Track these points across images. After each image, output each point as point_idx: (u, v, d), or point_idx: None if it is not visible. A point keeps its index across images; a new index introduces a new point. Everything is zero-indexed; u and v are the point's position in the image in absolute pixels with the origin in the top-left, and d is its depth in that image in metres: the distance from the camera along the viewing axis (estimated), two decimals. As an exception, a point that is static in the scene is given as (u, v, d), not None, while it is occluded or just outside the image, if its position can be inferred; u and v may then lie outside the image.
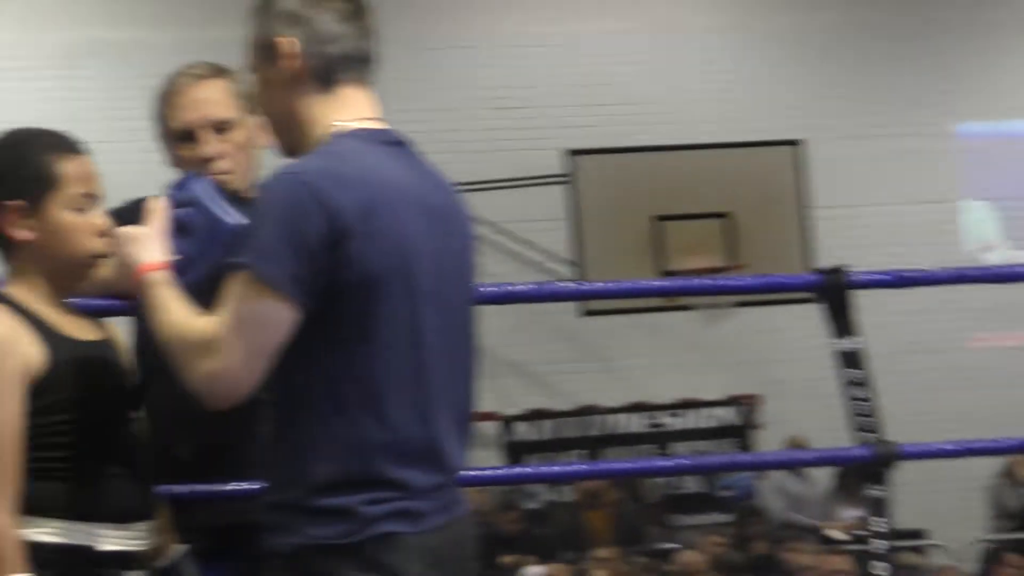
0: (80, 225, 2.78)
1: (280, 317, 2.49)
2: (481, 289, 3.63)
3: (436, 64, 12.06)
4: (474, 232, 2.82)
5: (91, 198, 2.81)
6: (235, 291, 2.50)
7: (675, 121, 12.55)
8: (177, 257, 2.77)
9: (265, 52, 2.69)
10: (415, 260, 2.57)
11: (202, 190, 2.86)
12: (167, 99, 3.27)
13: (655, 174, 11.53)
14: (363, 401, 2.55)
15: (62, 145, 2.83)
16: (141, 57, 11.75)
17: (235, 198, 2.91)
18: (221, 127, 3.22)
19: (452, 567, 2.66)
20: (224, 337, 2.49)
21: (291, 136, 2.72)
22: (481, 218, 11.49)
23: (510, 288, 3.65)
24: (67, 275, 2.86)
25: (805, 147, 12.20)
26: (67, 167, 2.79)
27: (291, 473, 2.58)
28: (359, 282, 2.51)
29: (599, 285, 3.72)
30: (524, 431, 12.61)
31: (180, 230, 2.80)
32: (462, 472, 2.79)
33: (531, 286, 3.64)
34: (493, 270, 11.73)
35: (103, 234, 2.80)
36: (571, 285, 3.70)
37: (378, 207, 2.52)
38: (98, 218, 2.81)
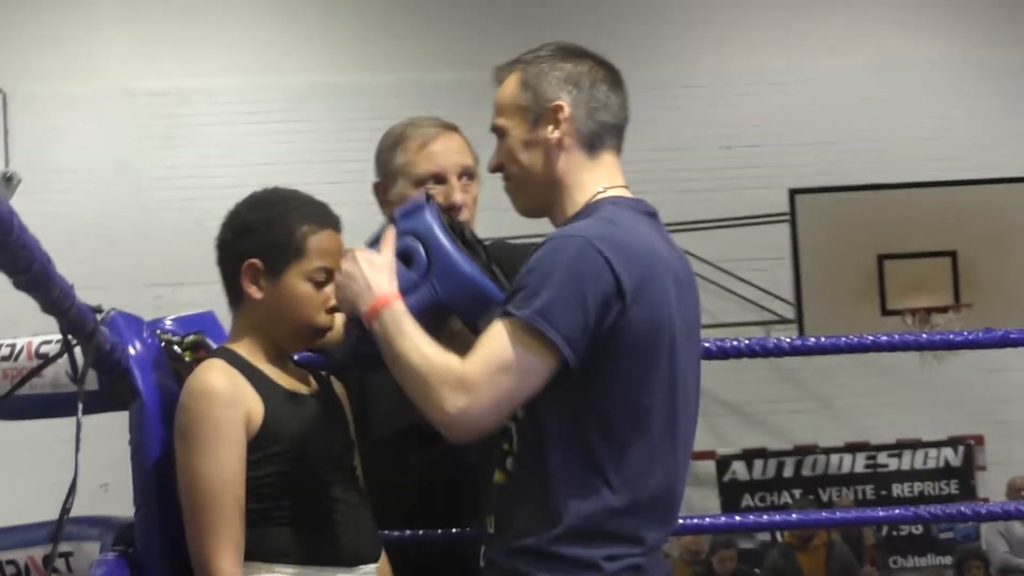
0: (312, 298, 2.87)
1: (543, 370, 2.54)
2: (703, 345, 3.71)
3: (664, 104, 12.11)
4: (698, 295, 2.84)
5: (329, 273, 2.87)
6: (504, 335, 2.53)
7: (901, 158, 12.39)
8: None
9: (536, 114, 2.72)
10: (671, 327, 2.61)
11: (432, 221, 2.80)
12: (413, 148, 3.34)
13: (879, 212, 11.31)
14: (621, 458, 2.60)
15: (316, 218, 2.92)
16: (363, 100, 12.08)
17: (459, 229, 2.91)
18: (466, 176, 3.33)
19: None
20: (482, 376, 2.52)
21: (544, 198, 2.78)
22: (706, 257, 11.64)
23: (731, 344, 3.68)
24: (289, 339, 2.94)
25: (1037, 184, 11.97)
26: (315, 241, 2.88)
27: (535, 518, 2.61)
28: (629, 347, 2.55)
29: (819, 340, 3.72)
30: (741, 470, 12.49)
31: (403, 259, 2.78)
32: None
33: (752, 341, 3.67)
34: (713, 308, 11.80)
35: (331, 310, 2.87)
36: (789, 341, 3.71)
37: (649, 277, 2.57)
38: (332, 293, 2.86)
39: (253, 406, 2.80)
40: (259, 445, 2.80)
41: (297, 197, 2.99)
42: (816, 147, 12.53)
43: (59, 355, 2.80)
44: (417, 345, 2.61)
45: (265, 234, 2.89)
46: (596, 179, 2.73)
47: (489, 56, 11.72)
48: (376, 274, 2.72)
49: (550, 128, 2.71)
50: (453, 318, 2.80)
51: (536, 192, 2.78)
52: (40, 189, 11.63)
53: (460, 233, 2.88)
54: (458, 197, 3.28)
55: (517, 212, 2.84)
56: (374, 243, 2.82)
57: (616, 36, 12.02)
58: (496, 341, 2.55)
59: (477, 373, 2.54)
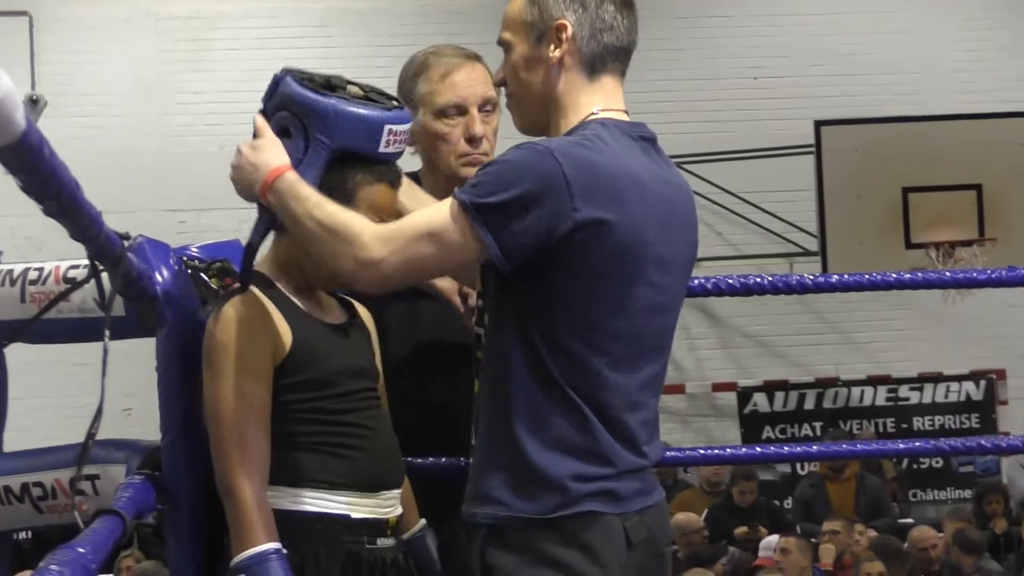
0: None
1: (466, 255, 2.59)
2: (727, 281, 3.72)
3: (690, 33, 12.09)
4: (696, 232, 2.84)
5: (387, 209, 2.86)
6: (441, 208, 2.57)
7: (926, 91, 12.37)
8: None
9: (540, 31, 2.71)
10: (640, 251, 2.60)
11: (292, 86, 2.78)
12: (436, 76, 3.31)
13: (905, 144, 11.24)
14: (581, 382, 2.60)
15: (374, 170, 2.86)
16: (388, 25, 12.03)
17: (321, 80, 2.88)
18: (487, 108, 3.31)
19: (649, 552, 2.71)
20: (404, 236, 2.58)
21: (541, 116, 2.77)
22: (730, 188, 11.63)
23: (754, 280, 3.69)
24: (323, 280, 2.94)
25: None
26: (366, 192, 2.84)
27: (502, 431, 2.64)
28: (583, 262, 2.55)
29: (843, 277, 3.73)
30: (762, 402, 12.56)
31: (283, 135, 2.77)
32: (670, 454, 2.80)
33: (775, 278, 3.68)
34: (736, 239, 11.82)
35: None
36: (812, 278, 3.72)
37: (615, 196, 2.55)
38: None
39: (281, 333, 2.82)
40: (286, 372, 2.82)
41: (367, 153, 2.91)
42: (843, 78, 12.48)
43: (86, 280, 2.80)
44: (320, 203, 2.64)
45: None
46: (592, 101, 2.72)
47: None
48: (260, 154, 2.74)
49: (551, 47, 2.71)
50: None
51: (534, 110, 2.79)
52: (66, 113, 11.71)
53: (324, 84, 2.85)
54: (478, 129, 3.27)
55: (516, 129, 2.86)
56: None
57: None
58: (432, 213, 2.61)
59: (400, 232, 2.59)
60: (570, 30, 2.70)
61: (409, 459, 3.16)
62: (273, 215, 2.76)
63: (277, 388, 2.82)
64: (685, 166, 11.52)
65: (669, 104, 11.22)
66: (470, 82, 3.30)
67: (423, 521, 3.11)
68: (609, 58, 2.74)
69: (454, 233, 2.55)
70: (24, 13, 12.10)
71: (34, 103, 11.83)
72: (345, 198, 2.76)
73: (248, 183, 2.76)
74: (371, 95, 2.87)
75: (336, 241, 2.61)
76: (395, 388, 3.19)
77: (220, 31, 12.45)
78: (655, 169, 2.69)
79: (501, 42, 2.82)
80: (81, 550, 1.76)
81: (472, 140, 3.28)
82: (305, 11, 12.48)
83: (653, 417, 2.78)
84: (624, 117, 2.75)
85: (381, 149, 2.80)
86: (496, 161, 2.61)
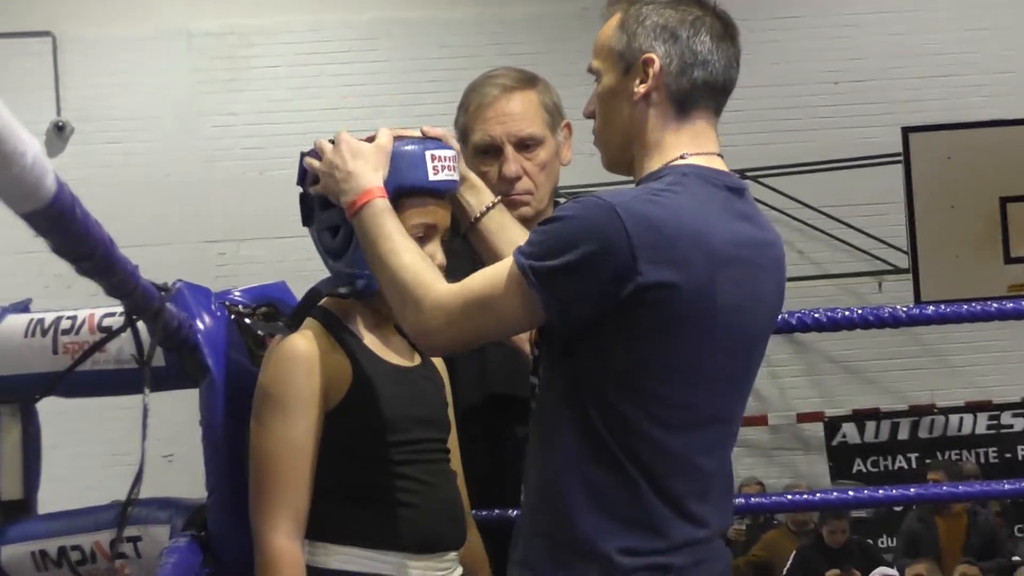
0: None
1: (521, 323, 2.60)
2: (812, 315, 3.68)
3: (760, 38, 12.07)
4: (782, 295, 2.78)
5: (433, 231, 2.84)
6: (499, 272, 2.55)
7: (1021, 92, 12.33)
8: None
9: (627, 63, 2.66)
10: (709, 313, 2.54)
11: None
12: (471, 110, 3.32)
13: (1001, 150, 11.17)
14: (633, 447, 2.55)
15: (421, 191, 2.83)
16: (438, 37, 12.12)
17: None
18: (526, 144, 3.28)
19: None
20: (462, 307, 2.56)
21: (625, 155, 2.73)
22: (809, 202, 11.56)
23: (842, 315, 3.65)
24: (383, 300, 2.84)
25: None
26: (412, 200, 2.81)
27: (546, 491, 2.61)
28: (642, 331, 2.51)
29: (939, 309, 3.68)
30: (851, 433, 12.50)
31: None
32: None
33: (865, 311, 3.64)
34: (820, 257, 11.76)
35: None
36: (906, 311, 3.66)
37: (683, 255, 2.49)
38: (436, 253, 2.83)
39: (339, 374, 2.80)
40: (340, 416, 2.80)
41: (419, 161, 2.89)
42: (930, 80, 12.50)
43: (122, 330, 2.81)
44: (397, 249, 2.65)
45: None
46: (680, 143, 2.66)
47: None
48: (358, 163, 2.76)
49: (637, 81, 2.64)
50: None
51: (617, 146, 2.74)
52: (93, 140, 11.86)
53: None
54: (510, 170, 3.26)
55: (603, 166, 2.81)
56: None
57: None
58: (487, 278, 2.58)
59: (458, 302, 2.56)
60: (657, 64, 2.63)
61: (476, 512, 3.16)
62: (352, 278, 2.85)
63: (330, 433, 2.80)
64: (761, 180, 11.53)
65: (743, 114, 11.17)
66: (503, 119, 3.29)
67: None
68: (701, 96, 2.67)
69: (512, 300, 2.53)
70: (47, 33, 12.26)
71: (60, 130, 11.97)
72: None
73: (336, 191, 2.77)
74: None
75: (403, 297, 2.63)
76: (463, 438, 3.15)
77: (257, 47, 12.58)
78: (737, 226, 2.62)
79: (591, 69, 2.76)
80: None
81: (506, 181, 3.24)
82: (349, 23, 12.60)
83: (718, 482, 2.70)
84: (714, 163, 2.67)
85: (431, 178, 2.80)
86: (556, 217, 2.55)
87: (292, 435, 2.75)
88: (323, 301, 2.89)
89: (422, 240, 2.79)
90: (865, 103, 12.58)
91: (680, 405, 2.58)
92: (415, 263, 2.64)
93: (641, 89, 2.64)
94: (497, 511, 3.34)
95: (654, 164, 2.65)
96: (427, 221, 2.83)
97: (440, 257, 2.83)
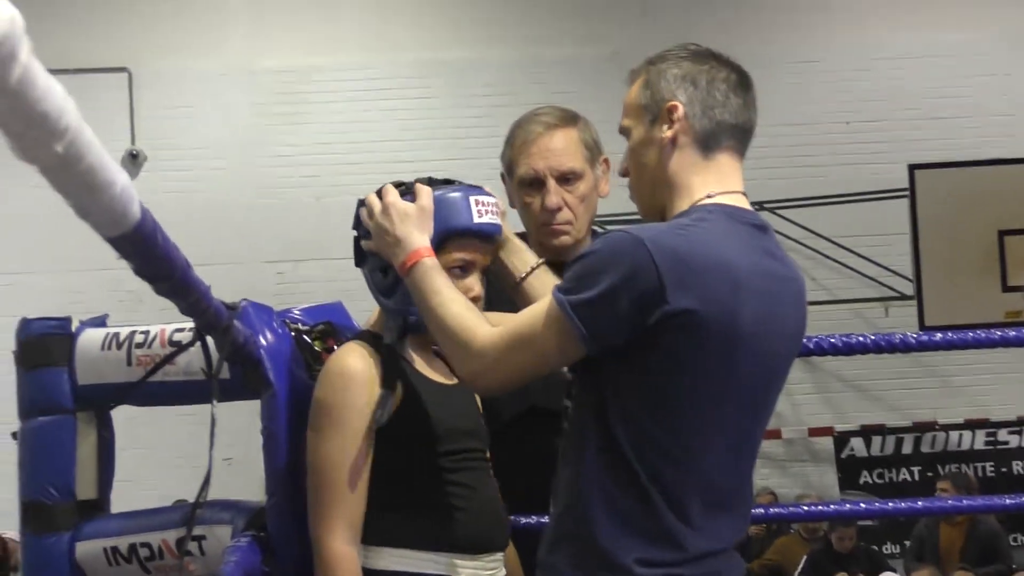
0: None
1: (564, 355, 2.57)
2: (829, 340, 3.66)
3: (781, 80, 12.05)
4: (803, 327, 2.76)
5: (471, 266, 2.86)
6: (537, 313, 2.58)
7: (1019, 132, 12.31)
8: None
9: (653, 114, 2.67)
10: (733, 343, 2.53)
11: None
12: (517, 145, 3.33)
13: (1000, 187, 11.16)
14: (653, 464, 2.55)
15: (459, 227, 2.84)
16: (483, 75, 12.12)
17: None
18: (567, 178, 3.29)
19: None
20: (501, 349, 2.58)
21: (657, 199, 2.72)
22: (824, 232, 11.53)
23: (857, 340, 3.63)
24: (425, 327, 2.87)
25: None
26: (454, 241, 2.83)
27: (572, 503, 2.61)
28: (668, 356, 2.50)
29: (946, 336, 3.67)
30: (859, 447, 12.46)
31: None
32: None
33: (877, 337, 3.63)
34: (831, 284, 11.72)
35: (474, 300, 2.82)
36: (915, 336, 3.65)
37: (706, 285, 2.48)
38: (475, 285, 2.86)
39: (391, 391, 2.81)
40: (392, 429, 2.79)
41: (458, 203, 2.91)
42: (935, 122, 12.45)
43: (191, 345, 2.83)
44: (445, 303, 2.68)
45: None
46: (706, 182, 2.66)
47: (608, 32, 11.81)
48: (406, 226, 2.79)
49: (665, 127, 2.66)
50: None
51: (649, 192, 2.73)
52: (163, 166, 11.90)
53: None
54: (552, 201, 3.28)
55: (641, 216, 2.79)
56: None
57: (724, 12, 12.04)
58: (527, 317, 2.60)
59: (502, 343, 2.59)
60: (681, 109, 2.65)
61: (514, 518, 3.14)
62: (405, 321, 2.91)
63: (383, 445, 2.80)
64: (779, 211, 11.51)
65: (763, 150, 11.10)
66: (545, 154, 3.29)
67: None
68: (724, 135, 2.68)
69: (552, 335, 2.54)
70: (123, 69, 12.30)
71: (134, 158, 12.01)
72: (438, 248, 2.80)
73: (388, 253, 2.81)
74: (449, 181, 2.95)
75: (454, 345, 2.66)
76: (500, 451, 3.16)
77: (314, 84, 12.58)
78: (760, 260, 2.61)
79: (622, 130, 2.78)
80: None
81: (548, 211, 3.25)
82: (399, 63, 12.59)
83: (736, 497, 2.71)
84: (739, 200, 2.68)
85: (476, 220, 2.83)
86: (588, 253, 2.56)
87: (347, 446, 2.76)
88: (372, 325, 2.94)
89: (462, 272, 2.84)
90: (875, 142, 12.48)
91: (702, 427, 2.57)
92: (461, 314, 2.67)
93: (668, 134, 2.65)
94: (523, 520, 3.33)
95: (683, 204, 2.65)
96: (467, 258, 2.84)
97: (478, 289, 2.86)
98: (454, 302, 2.69)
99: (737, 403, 2.60)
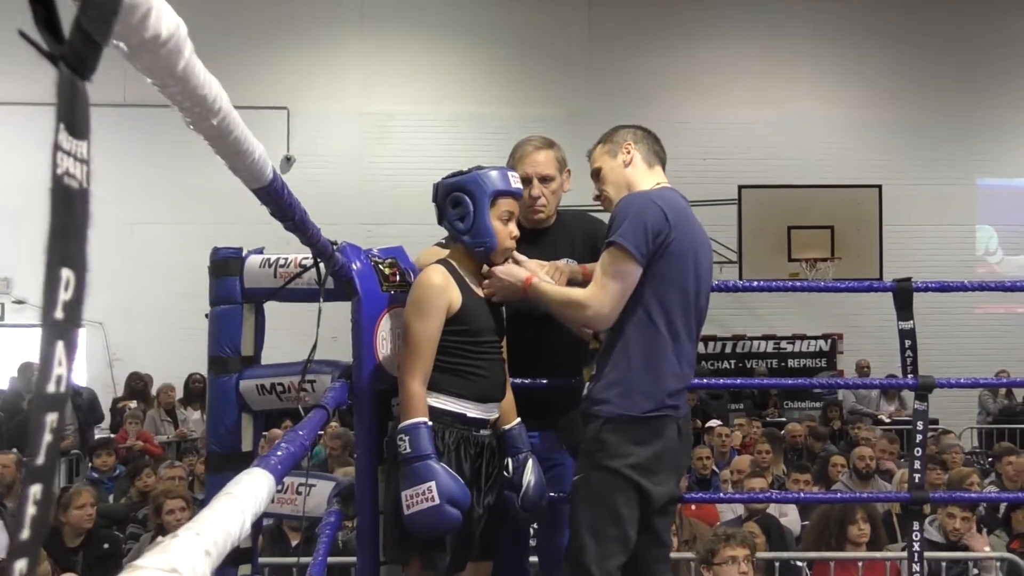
0: (501, 230, 2.74)
1: (633, 271, 2.54)
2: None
3: (664, 133, 11.88)
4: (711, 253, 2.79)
5: (511, 216, 2.74)
6: (607, 257, 2.55)
7: (801, 168, 12.57)
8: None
9: (614, 152, 2.75)
10: (696, 254, 2.60)
11: (452, 181, 2.67)
12: (516, 157, 3.20)
13: (789, 201, 11.31)
14: (667, 330, 2.54)
15: (502, 188, 2.67)
16: (492, 124, 11.99)
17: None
18: (545, 179, 3.18)
19: (685, 442, 2.67)
20: (600, 289, 2.54)
21: (622, 194, 2.71)
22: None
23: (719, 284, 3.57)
24: (483, 257, 2.77)
25: (883, 188, 11.79)
26: (501, 198, 2.68)
27: (611, 367, 2.56)
28: (672, 259, 2.54)
29: (760, 283, 3.59)
30: (701, 348, 12.16)
31: (454, 204, 2.67)
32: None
33: (719, 283, 3.53)
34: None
35: (513, 238, 2.74)
36: (741, 283, 3.57)
37: (682, 222, 2.57)
38: (514, 229, 2.74)
39: (454, 297, 2.70)
40: (453, 322, 2.70)
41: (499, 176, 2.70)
42: (755, 161, 12.68)
43: (311, 267, 2.78)
44: (554, 292, 2.68)
45: (476, 189, 2.68)
46: (652, 179, 2.72)
47: (574, 96, 11.42)
48: (512, 271, 2.74)
49: (627, 154, 2.73)
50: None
51: (616, 192, 2.72)
52: (305, 168, 11.82)
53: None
54: (535, 193, 3.13)
55: (608, 211, 2.79)
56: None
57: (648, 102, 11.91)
58: (602, 266, 2.58)
59: (596, 293, 2.55)
60: (632, 144, 2.75)
61: (518, 380, 3.01)
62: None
63: (445, 331, 2.71)
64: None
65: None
66: (532, 164, 3.22)
67: (519, 420, 2.93)
68: (655, 158, 2.76)
69: (627, 267, 2.52)
70: (284, 108, 12.16)
71: (288, 161, 11.90)
72: (492, 203, 2.64)
73: (510, 290, 2.73)
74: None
75: (571, 311, 2.63)
76: (513, 337, 2.98)
77: (396, 122, 12.68)
78: (690, 211, 2.68)
79: (593, 173, 2.82)
80: (300, 432, 1.72)
81: (532, 199, 3.20)
82: (441, 114, 12.69)
83: (694, 357, 2.72)
84: (670, 187, 2.75)
85: (513, 185, 2.75)
86: (624, 211, 2.56)
87: (428, 328, 2.65)
88: (446, 255, 2.82)
89: (509, 218, 2.74)
90: (719, 171, 12.56)
91: (681, 307, 2.58)
92: (565, 291, 2.67)
93: (628, 158, 2.74)
94: (520, 381, 3.17)
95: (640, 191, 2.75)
96: (509, 209, 2.73)
97: (516, 231, 2.76)
98: (560, 291, 2.68)
99: (693, 294, 2.63)
